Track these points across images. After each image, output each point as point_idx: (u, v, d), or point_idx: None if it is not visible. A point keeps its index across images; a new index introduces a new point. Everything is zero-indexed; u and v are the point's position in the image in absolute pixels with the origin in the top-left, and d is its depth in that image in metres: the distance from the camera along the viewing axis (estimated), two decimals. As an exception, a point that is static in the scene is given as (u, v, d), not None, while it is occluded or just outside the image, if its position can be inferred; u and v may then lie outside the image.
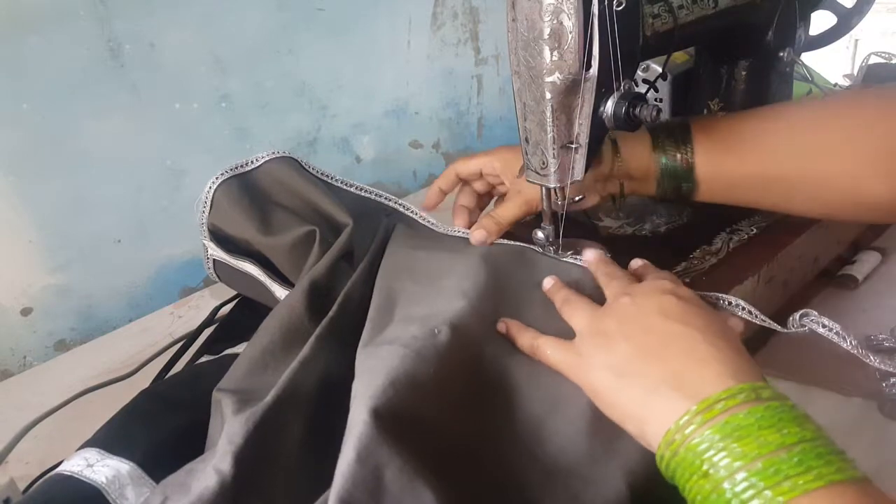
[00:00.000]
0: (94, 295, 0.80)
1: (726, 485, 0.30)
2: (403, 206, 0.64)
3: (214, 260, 0.61)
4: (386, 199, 0.64)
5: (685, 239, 0.65)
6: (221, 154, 0.87)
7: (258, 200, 0.58)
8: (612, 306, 0.43)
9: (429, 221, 0.63)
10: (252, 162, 0.60)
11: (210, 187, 0.58)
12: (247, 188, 0.59)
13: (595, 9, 0.45)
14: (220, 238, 0.59)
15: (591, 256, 0.52)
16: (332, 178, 0.63)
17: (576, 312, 0.45)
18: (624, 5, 0.46)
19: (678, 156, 0.57)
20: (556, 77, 0.47)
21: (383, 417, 0.35)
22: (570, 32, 0.45)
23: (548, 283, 0.51)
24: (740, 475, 0.30)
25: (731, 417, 0.32)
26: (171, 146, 0.82)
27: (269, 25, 0.87)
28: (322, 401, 0.43)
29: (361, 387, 0.38)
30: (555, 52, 0.46)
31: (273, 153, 0.60)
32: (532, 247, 0.57)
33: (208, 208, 0.58)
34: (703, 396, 0.33)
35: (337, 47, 0.95)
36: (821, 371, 0.57)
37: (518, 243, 0.58)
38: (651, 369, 0.37)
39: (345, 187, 0.63)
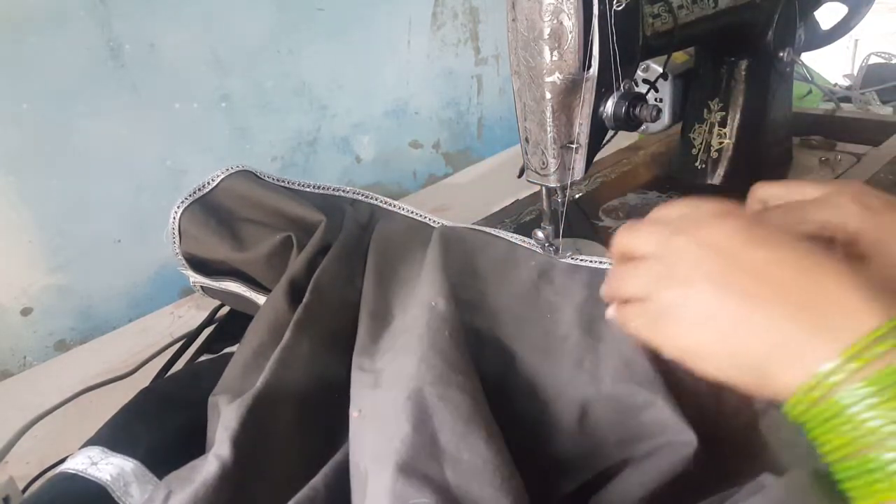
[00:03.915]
0: (94, 295, 0.80)
1: (873, 453, 0.26)
2: (363, 195, 0.65)
3: (200, 285, 0.61)
4: (343, 191, 0.64)
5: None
6: (221, 154, 0.87)
7: (225, 220, 0.58)
8: (668, 251, 0.34)
9: (391, 205, 0.65)
10: (209, 183, 0.59)
11: (174, 217, 0.58)
12: (211, 211, 0.59)
13: (595, 9, 0.45)
14: (197, 263, 0.59)
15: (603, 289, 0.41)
16: (288, 183, 0.63)
17: (626, 278, 0.37)
18: (624, 5, 0.46)
19: None
20: (556, 77, 0.47)
21: (424, 391, 0.37)
22: (570, 32, 0.45)
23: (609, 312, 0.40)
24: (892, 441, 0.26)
25: (885, 370, 0.26)
26: (171, 146, 0.82)
27: (269, 25, 0.87)
28: (310, 381, 0.44)
29: (394, 377, 0.40)
30: (555, 52, 0.46)
31: (227, 169, 0.60)
32: (521, 243, 0.58)
33: (178, 238, 0.58)
34: (848, 341, 0.27)
35: (337, 47, 0.95)
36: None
37: (516, 239, 0.58)
38: (766, 310, 0.30)
39: (302, 188, 0.63)
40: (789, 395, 0.29)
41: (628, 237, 0.38)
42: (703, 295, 0.32)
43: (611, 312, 0.39)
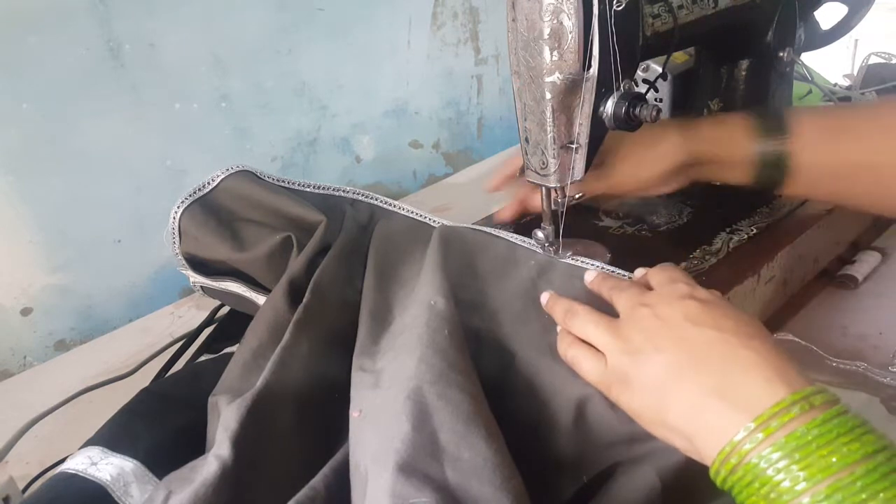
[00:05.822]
0: (94, 295, 0.80)
1: None
2: (364, 195, 0.65)
3: (200, 286, 0.61)
4: (343, 191, 0.65)
5: (685, 239, 0.65)
6: (221, 154, 0.87)
7: (225, 220, 0.58)
8: (631, 318, 0.40)
9: (391, 205, 0.65)
10: (209, 182, 0.59)
11: (174, 217, 0.58)
12: (211, 211, 0.59)
13: (595, 9, 0.45)
14: (197, 263, 0.59)
15: (590, 277, 0.49)
16: (288, 183, 0.63)
17: (590, 327, 0.42)
18: (624, 5, 0.46)
19: (775, 143, 0.56)
20: (556, 77, 0.47)
21: (424, 390, 0.37)
22: (570, 32, 0.45)
23: (544, 298, 0.48)
24: (805, 499, 0.29)
25: (790, 436, 0.30)
26: (171, 146, 0.82)
27: (269, 25, 0.87)
28: (310, 381, 0.44)
29: (394, 377, 0.40)
30: (555, 52, 0.46)
31: (227, 169, 0.60)
32: (522, 243, 0.58)
33: (178, 238, 0.58)
34: (758, 411, 0.32)
35: (337, 47, 0.95)
36: (821, 365, 0.57)
37: (516, 239, 0.58)
38: (693, 383, 0.35)
39: (302, 188, 0.63)
40: (712, 463, 0.33)
41: (608, 287, 0.45)
42: (650, 365, 0.37)
43: (561, 349, 0.43)
